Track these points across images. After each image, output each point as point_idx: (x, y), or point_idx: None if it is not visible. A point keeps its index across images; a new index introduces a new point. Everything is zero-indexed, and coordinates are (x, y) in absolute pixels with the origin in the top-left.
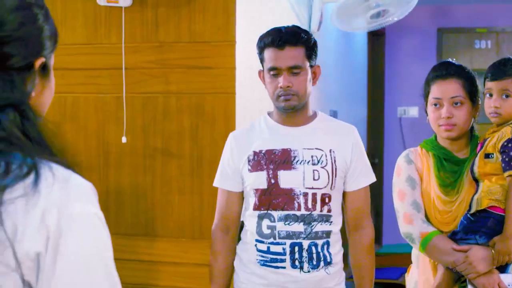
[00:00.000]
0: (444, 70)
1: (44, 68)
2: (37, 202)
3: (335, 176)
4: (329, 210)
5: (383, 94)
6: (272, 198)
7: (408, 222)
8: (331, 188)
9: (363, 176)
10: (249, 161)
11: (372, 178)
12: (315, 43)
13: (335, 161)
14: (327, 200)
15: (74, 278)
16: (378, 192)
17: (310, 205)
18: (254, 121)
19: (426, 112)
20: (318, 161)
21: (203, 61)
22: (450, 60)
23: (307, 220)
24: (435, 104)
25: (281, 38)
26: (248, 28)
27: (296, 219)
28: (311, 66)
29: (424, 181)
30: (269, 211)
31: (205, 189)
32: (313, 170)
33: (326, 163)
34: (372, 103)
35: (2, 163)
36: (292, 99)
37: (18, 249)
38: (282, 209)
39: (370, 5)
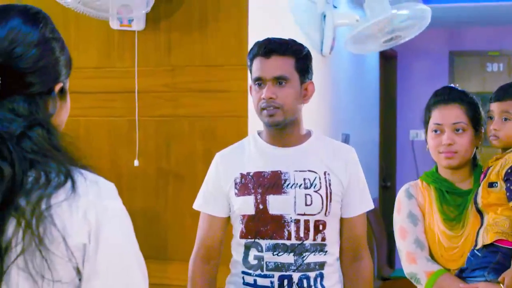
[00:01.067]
0: (446, 95)
1: (62, 91)
2: (78, 203)
3: (330, 201)
4: (323, 239)
5: (395, 117)
6: (260, 225)
7: (411, 261)
8: (325, 214)
9: (361, 202)
10: (235, 184)
11: (370, 205)
12: (307, 56)
13: (330, 184)
14: (321, 227)
15: (112, 261)
16: (390, 214)
17: (302, 234)
18: (243, 140)
19: (426, 140)
20: (311, 185)
21: (216, 85)
22: (453, 85)
23: (298, 250)
24: (435, 131)
25: (267, 46)
26: None
27: (286, 249)
28: (302, 82)
29: (427, 216)
30: (256, 240)
31: None
32: (306, 195)
33: (320, 187)
34: (384, 126)
35: (42, 173)
36: (277, 114)
37: (69, 242)
38: (271, 238)
39: (385, 32)
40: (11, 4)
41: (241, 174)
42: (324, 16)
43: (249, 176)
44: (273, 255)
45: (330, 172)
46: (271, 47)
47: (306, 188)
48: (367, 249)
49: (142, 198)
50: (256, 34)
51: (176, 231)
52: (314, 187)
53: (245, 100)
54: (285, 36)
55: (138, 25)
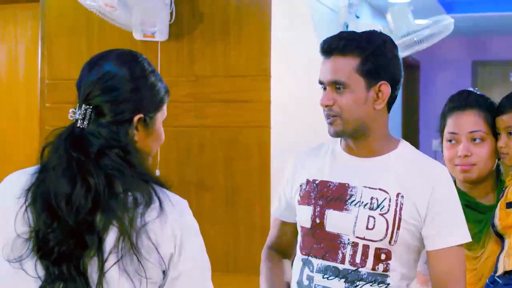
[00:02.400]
0: (463, 100)
1: (145, 121)
2: (167, 220)
3: (398, 229)
4: (385, 270)
5: (417, 127)
6: (314, 242)
7: (422, 283)
8: (390, 242)
9: (448, 233)
10: (300, 190)
11: (463, 238)
12: (379, 53)
13: (401, 208)
14: (383, 257)
15: (192, 265)
16: None
17: (358, 259)
18: (326, 141)
19: (442, 150)
20: (378, 206)
21: (238, 95)
22: (470, 89)
23: (350, 277)
24: (450, 140)
25: (328, 43)
26: (283, 61)
27: (337, 273)
28: (370, 85)
29: None
30: (309, 257)
31: (240, 222)
32: (369, 216)
33: (388, 210)
34: (407, 136)
35: (130, 193)
36: (335, 122)
37: (161, 251)
38: (323, 258)
39: (406, 44)
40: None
41: (307, 180)
42: (347, 26)
43: (314, 184)
44: (323, 278)
45: (405, 194)
46: (332, 45)
47: (371, 209)
48: None
49: None
50: (278, 44)
51: None
52: (381, 209)
53: (268, 110)
54: (308, 46)
55: (161, 35)
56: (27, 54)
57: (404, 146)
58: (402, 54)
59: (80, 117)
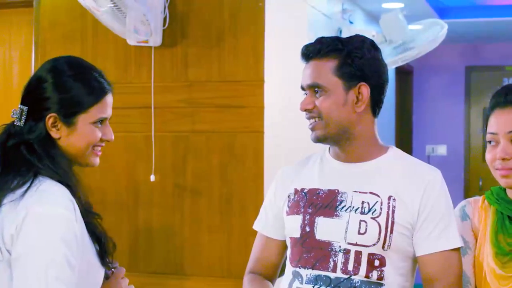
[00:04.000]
0: (503, 96)
1: (63, 120)
2: (18, 204)
3: (391, 232)
4: (380, 278)
5: (411, 132)
6: (304, 251)
7: None
8: (383, 247)
9: (438, 237)
10: (288, 200)
11: (452, 243)
12: (356, 54)
13: (393, 211)
14: (377, 263)
15: (27, 249)
16: None
17: (350, 267)
18: (316, 152)
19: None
20: (369, 210)
21: (232, 100)
22: None
23: (343, 286)
24: (490, 142)
25: (306, 49)
26: (277, 67)
27: (328, 283)
28: (349, 87)
29: (478, 244)
30: (298, 269)
31: (235, 228)
32: (360, 221)
33: (380, 214)
34: (400, 141)
35: (11, 177)
36: (316, 126)
37: (4, 232)
38: (312, 268)
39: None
40: None
41: (295, 189)
42: (341, 31)
43: (303, 193)
44: None
45: (397, 197)
46: (310, 49)
47: (362, 213)
48: None
49: (158, 214)
50: (273, 50)
51: (193, 246)
52: (373, 213)
53: (262, 115)
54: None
55: (155, 41)
56: (21, 60)
57: (394, 151)
58: (396, 64)
59: (17, 116)
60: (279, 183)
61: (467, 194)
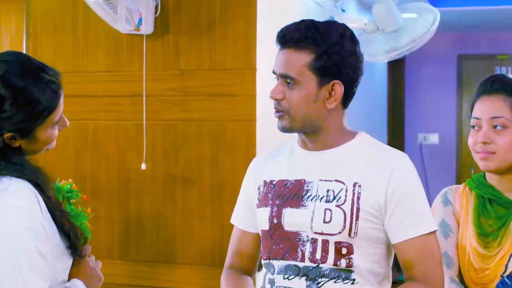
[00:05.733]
0: (489, 84)
1: (26, 135)
2: None
3: (357, 219)
4: (349, 265)
5: (403, 121)
6: (273, 243)
7: None
8: (349, 234)
9: (413, 223)
10: (259, 193)
11: (428, 227)
12: (334, 50)
13: (358, 198)
14: (344, 251)
15: None
16: None
17: (318, 256)
18: (288, 142)
19: None
20: (334, 198)
21: (224, 89)
22: (503, 74)
23: (311, 274)
24: (473, 126)
25: (283, 33)
26: (269, 55)
27: (297, 272)
28: (322, 83)
29: (460, 228)
30: (270, 261)
31: (226, 216)
32: (325, 209)
33: (345, 201)
34: (392, 129)
35: None
36: (283, 117)
37: None
38: (282, 258)
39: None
40: None
41: (265, 181)
42: (333, 20)
43: (271, 185)
44: (284, 278)
45: (363, 184)
46: (286, 36)
47: (327, 201)
48: (433, 283)
49: (150, 202)
50: (264, 38)
51: (184, 235)
52: (337, 200)
53: (253, 104)
54: None
55: (147, 29)
56: (12, 48)
57: (362, 137)
58: (390, 58)
59: None
60: (250, 175)
61: (459, 182)
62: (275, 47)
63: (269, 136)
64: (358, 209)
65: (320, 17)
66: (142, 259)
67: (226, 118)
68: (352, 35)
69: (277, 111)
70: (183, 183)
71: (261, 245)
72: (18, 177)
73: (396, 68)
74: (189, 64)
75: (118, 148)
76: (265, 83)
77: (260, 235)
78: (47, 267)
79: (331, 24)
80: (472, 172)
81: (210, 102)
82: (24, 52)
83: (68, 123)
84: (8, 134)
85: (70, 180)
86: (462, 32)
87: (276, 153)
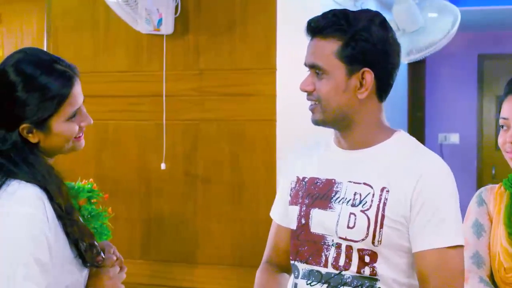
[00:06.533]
0: None
1: (41, 127)
2: None
3: (381, 227)
4: (373, 273)
5: (423, 121)
6: (299, 245)
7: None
8: (373, 242)
9: (435, 232)
10: (291, 189)
11: (450, 240)
12: (363, 37)
13: (384, 204)
14: (367, 259)
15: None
16: None
17: (341, 262)
18: (325, 138)
19: None
20: (360, 202)
21: (244, 88)
22: None
23: (333, 282)
24: (502, 126)
25: (312, 23)
26: (289, 55)
27: (320, 278)
28: (352, 72)
29: (492, 227)
30: (295, 262)
31: (245, 216)
32: (350, 214)
33: (370, 206)
34: (412, 129)
35: None
36: (315, 109)
37: None
38: (306, 262)
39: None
40: None
41: (297, 178)
42: None
43: (303, 182)
44: (307, 284)
45: (391, 188)
46: (314, 25)
47: (353, 205)
48: None
49: (170, 202)
50: (284, 37)
51: (204, 234)
52: (363, 205)
53: (273, 103)
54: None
55: (167, 29)
56: None
57: (399, 136)
58: (411, 59)
59: None
60: (288, 168)
61: (479, 183)
62: (295, 47)
63: (288, 136)
64: (383, 216)
65: None
66: (162, 258)
67: (246, 118)
68: (383, 21)
69: (310, 102)
70: (203, 183)
71: (290, 244)
72: (28, 181)
73: (417, 68)
74: (209, 64)
75: (138, 148)
76: (285, 82)
77: (290, 233)
78: (47, 275)
79: (361, 11)
80: (493, 172)
81: (230, 102)
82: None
83: (91, 120)
84: (24, 126)
85: (91, 179)
86: (482, 32)
87: (312, 149)
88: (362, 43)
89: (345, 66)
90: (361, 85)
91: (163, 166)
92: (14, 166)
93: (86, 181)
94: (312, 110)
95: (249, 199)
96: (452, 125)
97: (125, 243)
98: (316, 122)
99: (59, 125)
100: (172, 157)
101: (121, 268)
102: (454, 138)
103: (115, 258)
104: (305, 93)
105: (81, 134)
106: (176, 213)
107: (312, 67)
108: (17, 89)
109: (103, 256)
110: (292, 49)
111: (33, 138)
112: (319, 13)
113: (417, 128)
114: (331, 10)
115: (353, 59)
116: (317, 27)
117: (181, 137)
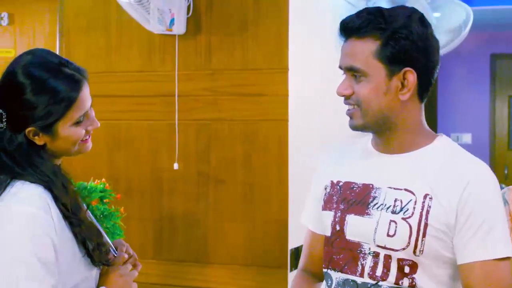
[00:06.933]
0: None
1: (47, 130)
2: None
3: (423, 236)
4: (412, 285)
5: (436, 121)
6: (334, 252)
7: None
8: (415, 252)
9: (482, 244)
10: (325, 193)
11: (499, 251)
12: (403, 35)
13: (427, 212)
14: (407, 269)
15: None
16: None
17: (378, 272)
18: (365, 137)
19: None
20: (401, 209)
21: (256, 88)
22: None
23: None
24: None
25: (345, 24)
26: (301, 55)
27: None
28: (393, 73)
29: (510, 228)
30: (329, 271)
31: (258, 216)
32: (390, 221)
33: (412, 214)
34: None
35: None
36: (354, 114)
37: None
38: (341, 271)
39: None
40: None
41: (331, 182)
42: None
43: (338, 186)
44: None
45: (435, 196)
46: (348, 25)
47: (394, 212)
48: None
49: (182, 202)
50: (296, 37)
51: (216, 234)
52: (404, 213)
53: (286, 103)
54: (326, 39)
55: (179, 29)
56: (46, 48)
57: (441, 141)
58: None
59: None
60: (320, 171)
61: None
62: (307, 47)
63: (301, 136)
64: (426, 224)
65: None
66: (174, 258)
67: (258, 118)
68: (422, 17)
69: (349, 107)
70: (215, 183)
71: (323, 251)
72: (32, 182)
73: None
74: (221, 64)
75: (151, 147)
76: (297, 82)
77: (324, 239)
78: (53, 274)
79: (397, 8)
80: (506, 172)
81: (242, 102)
82: (57, 51)
83: (98, 123)
84: (30, 129)
85: (103, 179)
86: (495, 31)
87: (348, 151)
88: (402, 41)
89: (385, 66)
90: (403, 85)
91: (175, 166)
92: (19, 167)
93: (99, 181)
94: (351, 115)
95: (261, 198)
96: (464, 125)
97: (137, 242)
98: (355, 128)
99: (66, 129)
100: (184, 157)
101: (135, 266)
102: (466, 138)
103: (126, 256)
104: (318, 95)
105: (87, 137)
106: (188, 213)
107: (350, 70)
108: (25, 92)
109: (115, 254)
110: (304, 49)
111: (39, 141)
112: (330, 12)
113: (429, 128)
114: (365, 9)
115: (394, 59)
116: (353, 27)
117: (193, 137)
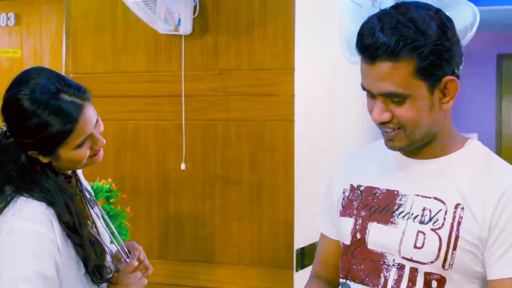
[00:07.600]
0: None
1: (48, 154)
2: None
3: (454, 249)
4: None
5: None
6: (353, 262)
7: None
8: (444, 266)
9: (510, 259)
10: (343, 198)
11: None
12: (442, 46)
13: (459, 224)
14: (435, 284)
15: (2, 264)
16: None
17: (403, 285)
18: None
19: None
20: (430, 219)
21: (263, 89)
22: None
23: None
24: None
25: (370, 47)
26: (307, 55)
27: None
28: (434, 85)
29: None
30: (347, 281)
31: (264, 216)
32: (418, 232)
33: (442, 225)
34: None
35: None
36: (397, 137)
37: None
38: (362, 282)
39: None
40: None
41: (351, 186)
42: None
43: (358, 191)
44: None
45: (466, 205)
46: (376, 47)
47: (422, 222)
48: None
49: (189, 202)
50: (302, 38)
51: (223, 235)
52: (434, 223)
53: (292, 104)
54: (333, 40)
55: (185, 29)
56: (52, 49)
57: (473, 146)
58: None
59: (3, 134)
60: (337, 174)
61: None
62: (313, 47)
63: (307, 136)
64: (457, 237)
65: (359, 16)
66: (181, 258)
67: (265, 118)
68: (448, 17)
69: (389, 132)
70: (222, 183)
71: (340, 259)
72: (35, 198)
73: None
74: (227, 64)
75: (158, 148)
76: (303, 83)
77: (341, 247)
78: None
79: (418, 14)
80: None
81: (249, 102)
82: (63, 52)
83: (104, 141)
84: (31, 152)
85: (109, 179)
86: (502, 32)
87: (369, 153)
88: (441, 52)
89: (425, 82)
90: (444, 95)
91: (183, 166)
92: (23, 183)
93: (105, 181)
94: (392, 137)
95: (268, 199)
96: (471, 125)
97: (143, 243)
98: (398, 149)
99: (68, 153)
100: (191, 157)
101: (147, 268)
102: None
103: (136, 263)
104: (325, 96)
105: (98, 150)
106: (195, 213)
107: (388, 96)
108: (23, 121)
109: (127, 260)
110: (311, 50)
111: (43, 159)
112: (337, 13)
113: None
114: (382, 25)
115: (434, 72)
116: (384, 50)
117: (200, 137)
